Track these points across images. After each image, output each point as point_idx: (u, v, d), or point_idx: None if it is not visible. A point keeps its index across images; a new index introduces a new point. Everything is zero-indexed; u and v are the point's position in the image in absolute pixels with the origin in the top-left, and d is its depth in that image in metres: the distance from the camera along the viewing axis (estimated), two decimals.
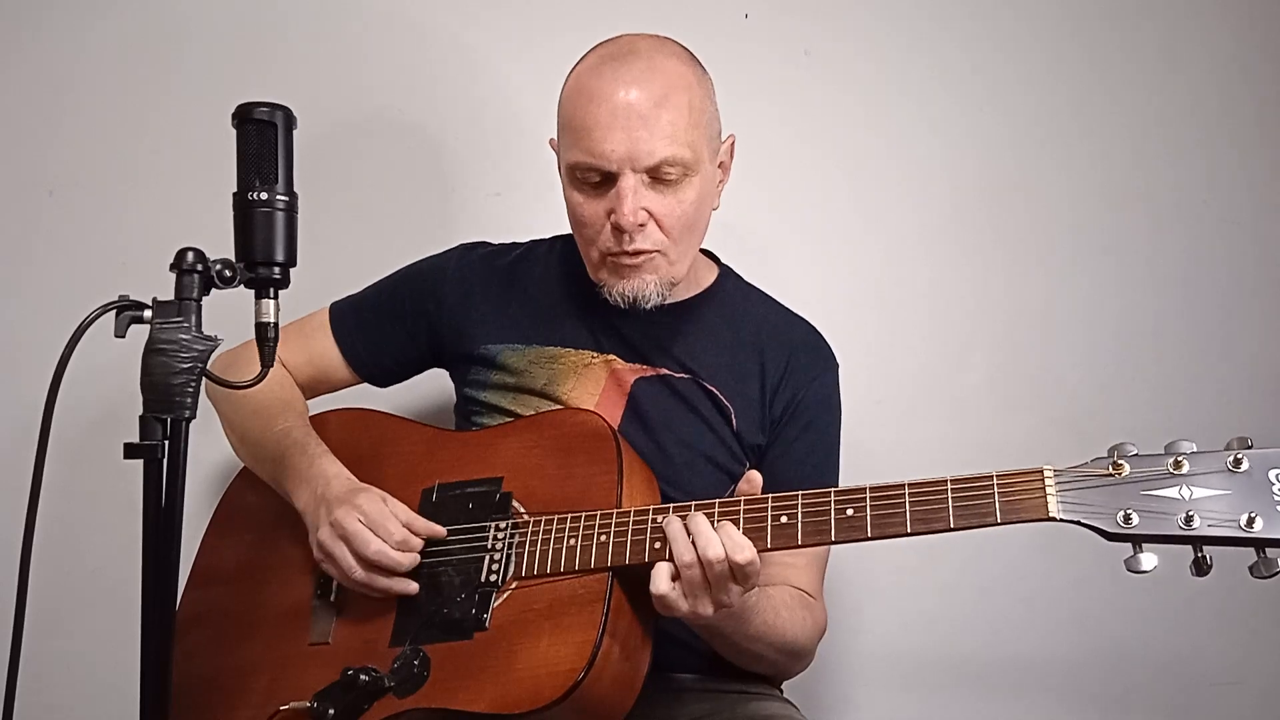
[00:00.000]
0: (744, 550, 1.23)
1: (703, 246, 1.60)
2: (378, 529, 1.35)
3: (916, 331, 2.01)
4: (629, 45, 1.45)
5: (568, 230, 1.54)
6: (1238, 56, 2.07)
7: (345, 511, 1.36)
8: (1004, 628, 2.00)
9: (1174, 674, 2.03)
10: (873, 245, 2.01)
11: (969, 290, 2.02)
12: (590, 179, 1.42)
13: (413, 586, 1.38)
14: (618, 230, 1.41)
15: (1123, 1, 2.05)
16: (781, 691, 1.59)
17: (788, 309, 1.63)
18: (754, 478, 1.31)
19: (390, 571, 1.36)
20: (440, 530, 1.39)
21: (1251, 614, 2.01)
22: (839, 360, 1.60)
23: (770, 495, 1.28)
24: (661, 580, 1.25)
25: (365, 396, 1.70)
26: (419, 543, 1.37)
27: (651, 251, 1.43)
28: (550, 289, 1.59)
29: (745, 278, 1.65)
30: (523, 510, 1.39)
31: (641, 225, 1.41)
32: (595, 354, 1.53)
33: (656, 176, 1.40)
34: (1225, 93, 2.06)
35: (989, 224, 2.03)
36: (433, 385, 1.78)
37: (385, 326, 1.62)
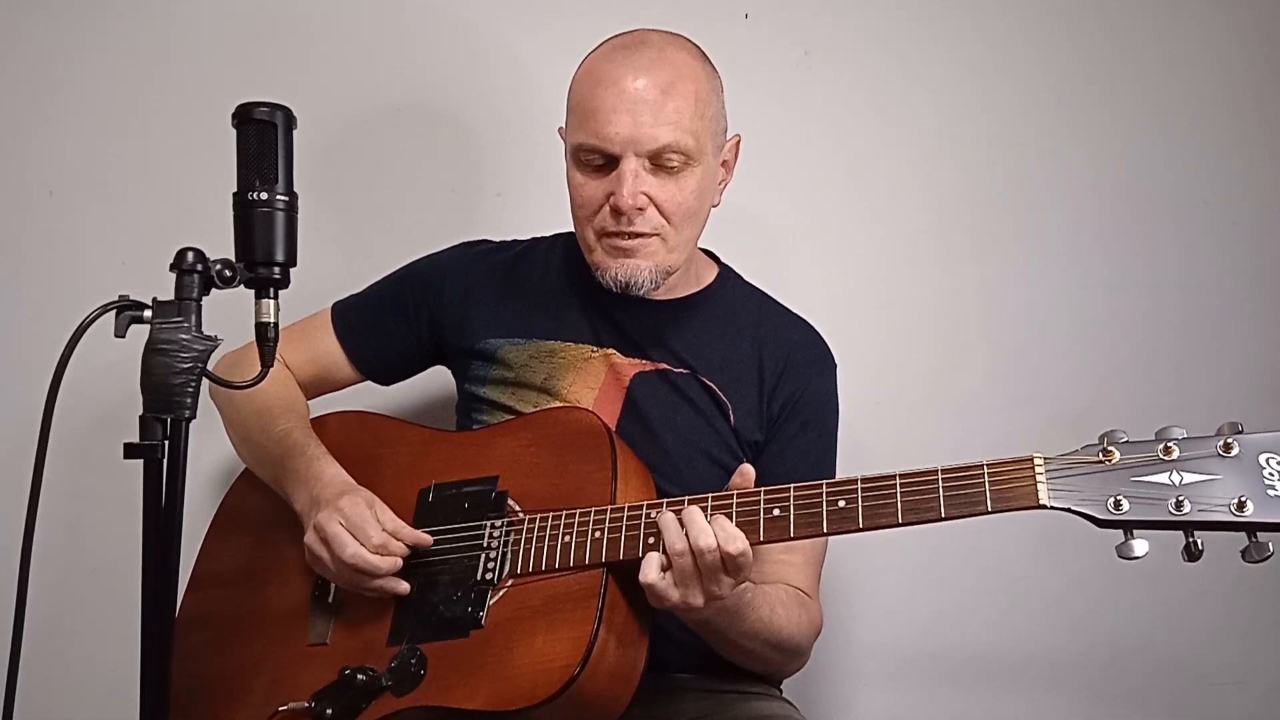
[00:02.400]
0: (736, 541, 1.23)
1: (703, 246, 1.60)
2: (356, 532, 1.35)
3: (917, 332, 2.01)
4: (642, 36, 1.47)
5: (569, 229, 1.54)
6: (1237, 57, 2.07)
7: (328, 514, 1.37)
8: (1003, 627, 2.00)
9: (1174, 674, 2.03)
10: (872, 245, 2.01)
11: (969, 290, 2.02)
12: (593, 161, 1.43)
13: (403, 586, 1.38)
14: (616, 212, 1.42)
15: (1123, 1, 2.05)
16: (780, 691, 1.59)
17: (787, 309, 1.63)
18: (746, 470, 1.31)
19: (369, 575, 1.36)
20: (426, 540, 1.38)
21: (1251, 614, 2.01)
22: (839, 360, 1.61)
23: (762, 489, 1.28)
24: (651, 569, 1.25)
25: (367, 395, 1.71)
26: (400, 548, 1.37)
27: (650, 235, 1.44)
28: (550, 284, 1.59)
29: (745, 276, 1.65)
30: (518, 508, 1.39)
31: (641, 209, 1.42)
32: (594, 348, 1.54)
33: (658, 162, 1.42)
34: (1224, 93, 2.06)
35: (989, 224, 2.03)
36: (434, 384, 1.78)
37: (387, 323, 1.63)
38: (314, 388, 1.65)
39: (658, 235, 1.45)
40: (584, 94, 1.44)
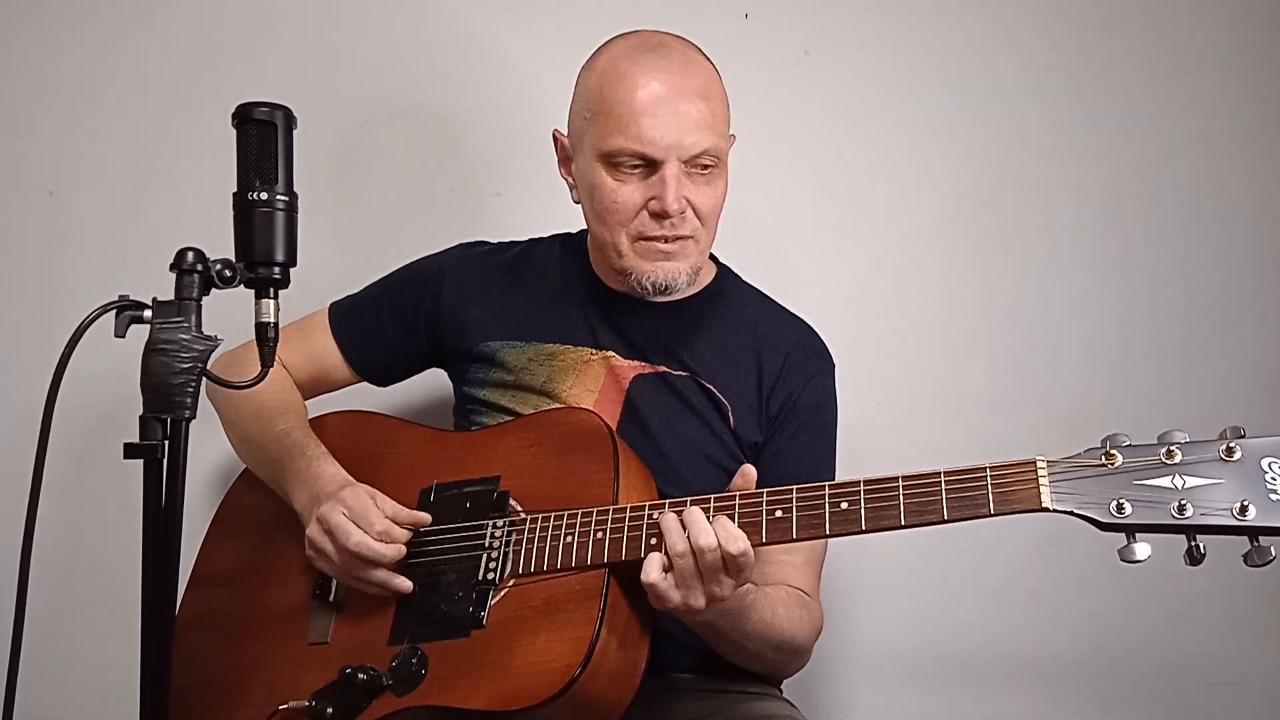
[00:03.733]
0: (737, 541, 1.23)
1: None
2: (359, 520, 1.36)
3: (916, 333, 2.01)
4: (658, 38, 1.47)
5: (568, 229, 1.54)
6: (1236, 56, 2.07)
7: (330, 506, 1.37)
8: (1003, 628, 2.00)
9: (1174, 674, 2.03)
10: (872, 246, 2.01)
11: (969, 291, 2.02)
12: (630, 164, 1.42)
13: (406, 584, 1.38)
14: (658, 216, 1.42)
15: (1122, 3, 2.05)
16: (781, 691, 1.59)
17: (785, 309, 1.63)
18: (748, 471, 1.31)
19: (373, 563, 1.36)
20: (425, 518, 1.39)
21: (1252, 614, 2.01)
22: (839, 360, 1.61)
23: (765, 490, 1.28)
24: (653, 569, 1.25)
25: (367, 396, 1.70)
26: (403, 534, 1.37)
27: (688, 237, 1.45)
28: (549, 286, 1.59)
29: (745, 277, 1.65)
30: (520, 508, 1.39)
31: (682, 212, 1.42)
32: (594, 351, 1.54)
33: (694, 166, 1.42)
34: (1223, 93, 2.06)
35: (989, 224, 2.03)
36: (432, 385, 1.78)
37: (384, 324, 1.63)
38: (311, 388, 1.65)
39: (693, 238, 1.45)
40: (616, 96, 1.41)
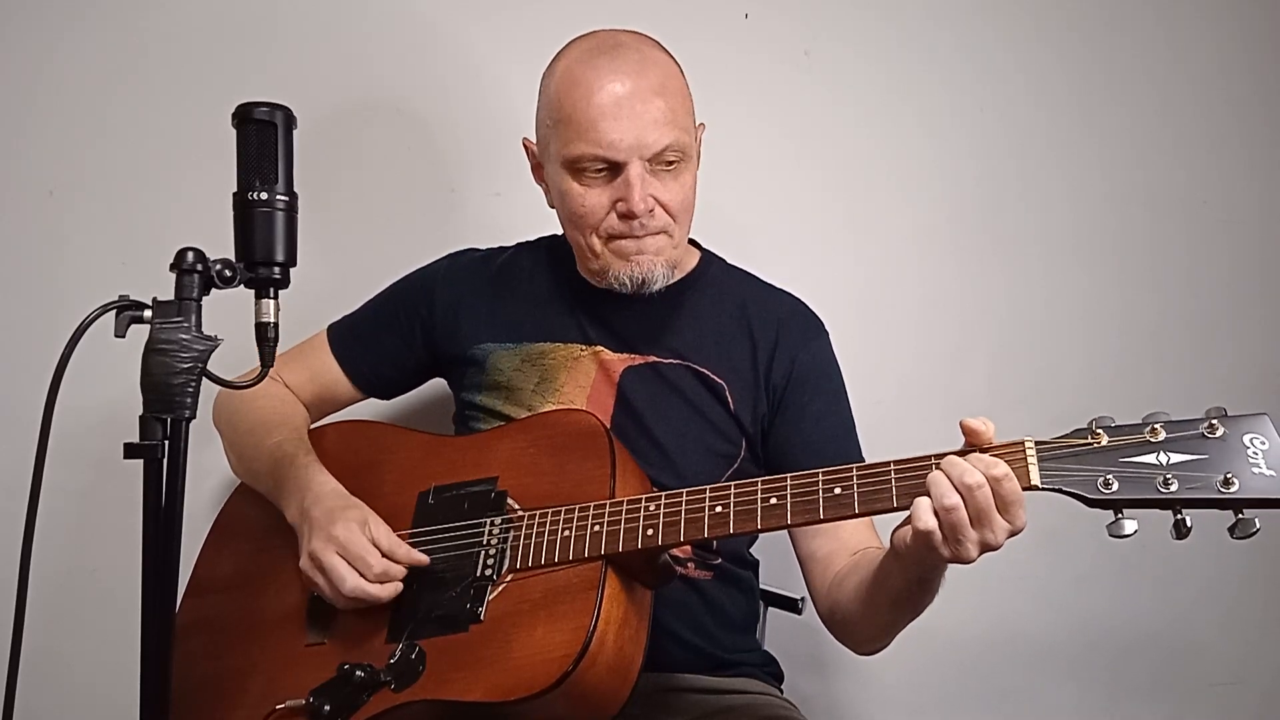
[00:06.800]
0: (998, 465, 1.14)
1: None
2: (356, 563, 1.34)
3: (916, 332, 2.01)
4: (613, 39, 1.46)
5: (559, 230, 1.54)
6: (1236, 56, 2.07)
7: (323, 545, 1.35)
8: (1002, 626, 2.00)
9: (1175, 673, 2.03)
10: (871, 245, 2.01)
11: (968, 291, 2.02)
12: (594, 168, 1.43)
13: (397, 588, 1.37)
14: (626, 217, 1.43)
15: (1121, 3, 2.05)
16: (781, 691, 1.59)
17: (771, 285, 1.63)
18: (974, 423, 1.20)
19: (371, 604, 1.35)
20: (423, 559, 1.37)
21: (1251, 614, 2.01)
22: (839, 360, 1.60)
23: (760, 479, 1.28)
24: (925, 514, 1.15)
25: (366, 404, 1.71)
26: (400, 571, 1.36)
27: (658, 231, 1.45)
28: (538, 287, 1.60)
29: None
30: (517, 507, 1.39)
31: (650, 211, 1.43)
32: (583, 346, 1.54)
33: (658, 163, 1.42)
34: (1222, 93, 2.07)
35: (988, 224, 2.03)
36: (432, 393, 1.78)
37: (382, 337, 1.64)
38: (317, 408, 1.67)
39: (664, 232, 1.46)
40: (575, 104, 1.42)
